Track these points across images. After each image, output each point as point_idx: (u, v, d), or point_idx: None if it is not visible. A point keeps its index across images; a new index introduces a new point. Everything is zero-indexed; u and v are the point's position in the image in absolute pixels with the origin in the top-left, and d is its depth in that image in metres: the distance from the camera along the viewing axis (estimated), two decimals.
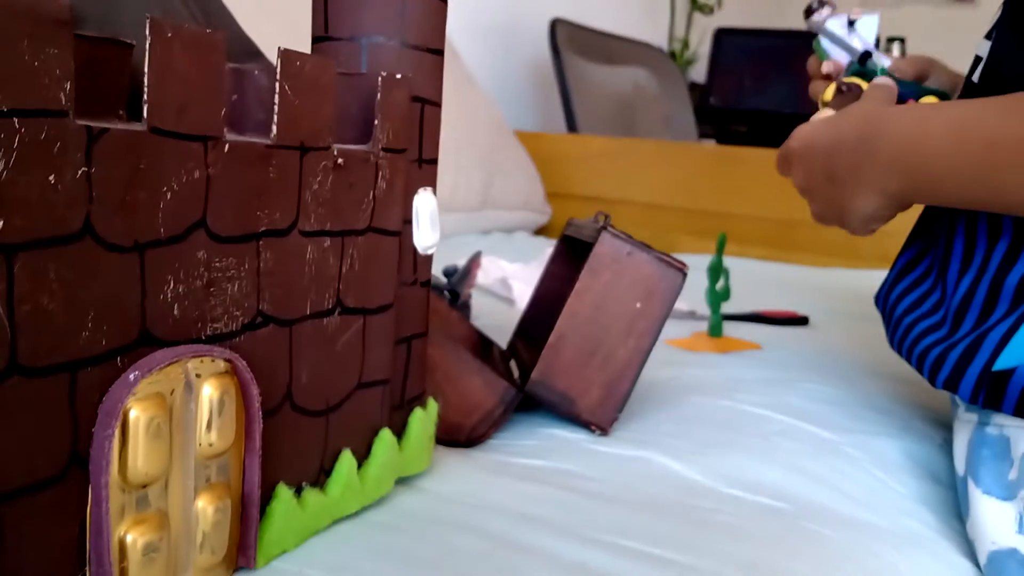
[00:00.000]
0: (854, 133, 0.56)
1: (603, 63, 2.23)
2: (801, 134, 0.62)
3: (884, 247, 1.39)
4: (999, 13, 0.54)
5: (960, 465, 0.53)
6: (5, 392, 0.24)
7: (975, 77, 0.57)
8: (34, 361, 0.25)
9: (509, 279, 0.93)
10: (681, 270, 0.52)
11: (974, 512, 0.49)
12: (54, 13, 0.25)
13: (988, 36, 0.57)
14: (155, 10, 0.50)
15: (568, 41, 2.08)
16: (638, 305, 0.51)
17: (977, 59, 0.57)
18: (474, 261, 0.75)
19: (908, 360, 0.56)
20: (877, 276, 1.24)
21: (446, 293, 0.73)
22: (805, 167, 0.61)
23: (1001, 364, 0.48)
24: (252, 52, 0.61)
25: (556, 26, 2.05)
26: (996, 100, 0.48)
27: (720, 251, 0.79)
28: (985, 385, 0.49)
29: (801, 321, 0.93)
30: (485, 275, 0.97)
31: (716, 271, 0.79)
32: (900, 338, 0.58)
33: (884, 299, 0.63)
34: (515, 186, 1.55)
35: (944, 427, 0.61)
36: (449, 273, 0.75)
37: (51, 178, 0.25)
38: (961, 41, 1.24)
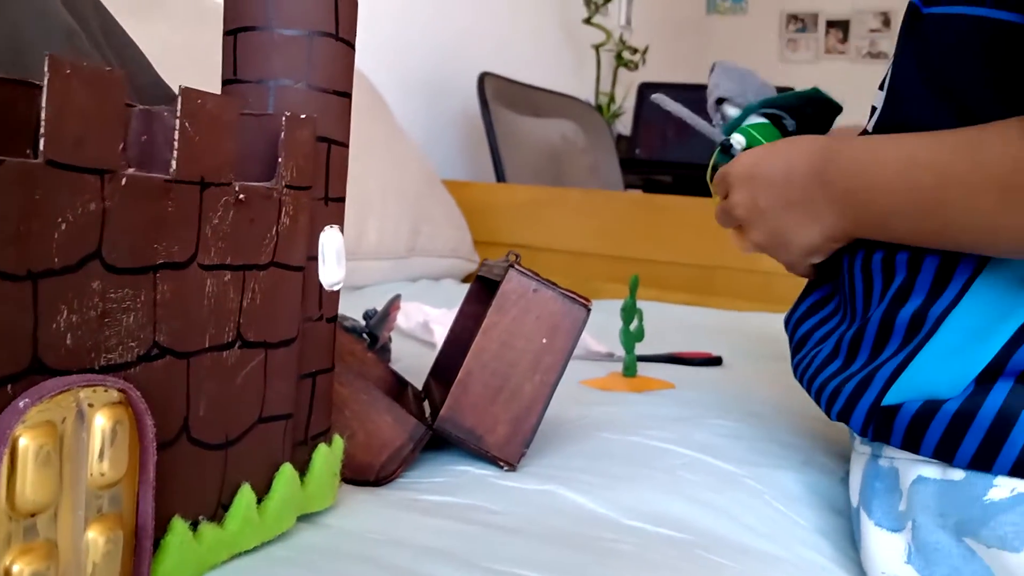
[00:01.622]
0: (806, 164, 0.57)
1: (531, 115, 2.28)
2: (746, 160, 0.62)
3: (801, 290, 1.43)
4: (890, 66, 0.57)
5: (855, 496, 0.55)
6: None
7: (870, 127, 0.59)
8: None
9: (431, 323, 0.94)
10: (585, 306, 0.54)
11: (866, 542, 0.51)
12: None
13: (881, 87, 0.59)
14: (66, 54, 0.50)
15: (496, 94, 2.12)
16: (544, 341, 0.53)
17: (873, 109, 0.60)
18: (393, 304, 0.76)
19: (807, 390, 0.58)
20: None
21: (365, 336, 0.74)
22: (750, 193, 0.61)
23: (889, 400, 0.51)
24: (170, 97, 0.62)
25: (485, 80, 2.09)
26: (948, 136, 0.49)
27: (633, 293, 0.81)
28: (875, 419, 0.51)
29: (715, 361, 0.95)
30: (407, 319, 0.97)
31: (630, 312, 0.81)
32: (803, 368, 0.60)
33: (794, 325, 0.65)
34: (443, 234, 1.56)
35: (845, 460, 0.63)
36: (369, 316, 0.76)
37: None
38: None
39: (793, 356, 0.63)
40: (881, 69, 0.63)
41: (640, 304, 0.86)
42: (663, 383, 0.80)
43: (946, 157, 0.48)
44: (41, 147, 0.30)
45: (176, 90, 0.73)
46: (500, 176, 1.99)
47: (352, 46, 0.49)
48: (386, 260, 1.40)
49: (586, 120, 2.54)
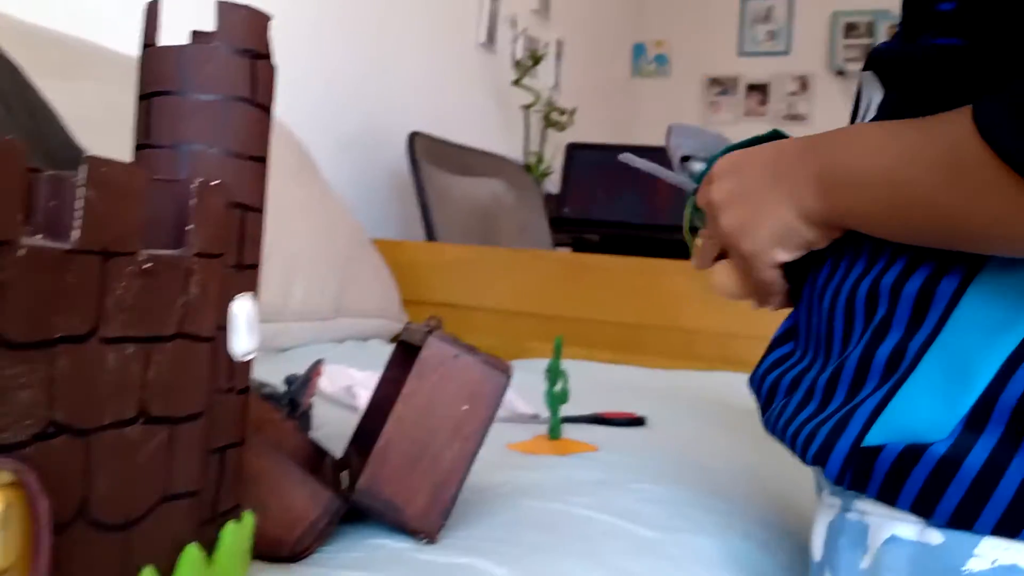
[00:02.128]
0: (796, 144, 0.57)
1: (461, 174, 2.29)
2: (733, 154, 0.62)
3: (724, 348, 1.46)
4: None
5: (817, 552, 0.53)
6: None
7: None
8: None
9: (355, 387, 0.93)
10: (505, 372, 0.53)
11: None
12: None
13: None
14: None
15: (426, 153, 2.13)
16: (464, 408, 0.52)
17: None
18: (315, 370, 0.75)
19: (781, 439, 0.56)
20: (715, 376, 1.30)
21: (285, 402, 0.72)
22: (735, 179, 0.60)
23: (871, 440, 0.48)
24: (81, 158, 0.60)
25: (415, 139, 2.10)
26: (921, 119, 0.48)
27: (557, 354, 0.81)
28: (854, 462, 0.49)
29: (638, 421, 0.96)
30: (331, 383, 0.96)
31: (554, 374, 0.81)
32: (775, 417, 0.57)
33: (760, 378, 0.62)
34: (371, 294, 1.55)
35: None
36: (290, 382, 0.75)
37: None
38: None
39: (764, 410, 0.61)
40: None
41: (567, 363, 0.86)
42: (587, 446, 0.80)
43: (910, 136, 0.49)
44: None
45: (103, 155, 0.72)
46: (430, 235, 1.99)
47: (268, 111, 0.48)
48: (312, 321, 1.38)
49: (515, 179, 2.57)
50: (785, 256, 0.58)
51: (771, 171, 0.57)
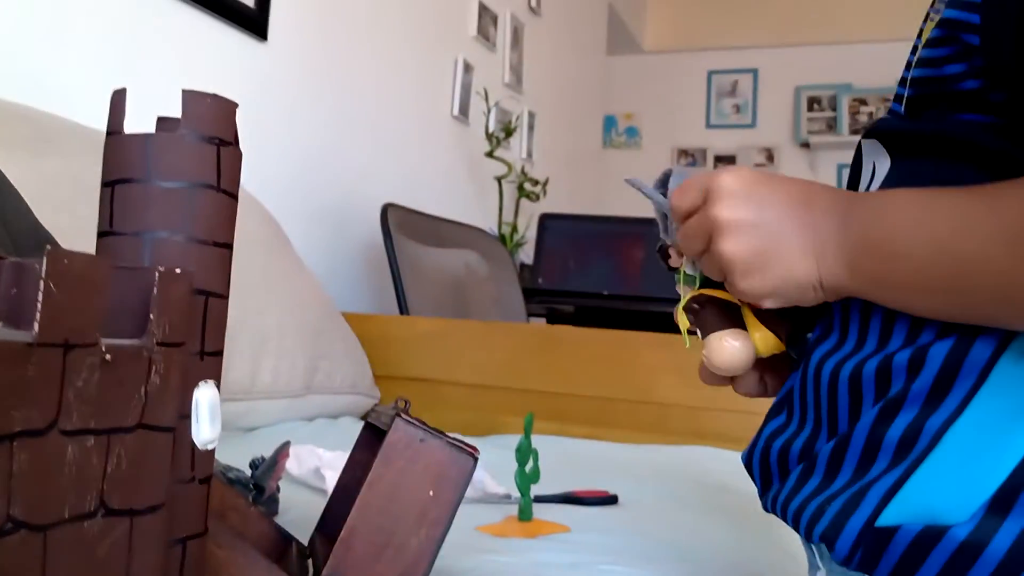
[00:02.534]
0: (831, 197, 0.53)
1: (435, 246, 2.30)
2: (750, 171, 0.56)
3: (696, 423, 1.46)
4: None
5: None
6: None
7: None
8: None
9: (323, 469, 0.92)
10: (473, 455, 0.53)
11: None
12: None
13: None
14: None
15: (400, 225, 2.15)
16: (431, 493, 0.52)
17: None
18: (281, 452, 0.74)
19: (783, 517, 0.54)
20: (686, 451, 1.30)
21: (251, 487, 0.71)
22: (754, 202, 0.55)
23: (885, 519, 0.46)
24: (45, 242, 0.60)
25: (388, 211, 2.11)
26: (968, 188, 0.47)
27: (528, 433, 0.81)
28: (865, 541, 0.47)
29: (611, 500, 0.95)
30: (299, 464, 0.95)
31: (524, 453, 0.80)
32: (774, 496, 0.56)
33: (757, 457, 0.60)
34: (342, 370, 1.54)
35: None
36: (255, 465, 0.74)
37: None
38: None
39: (763, 490, 0.58)
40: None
41: (538, 439, 0.86)
42: (558, 527, 0.79)
43: (962, 206, 0.47)
44: None
45: (69, 230, 0.72)
46: (403, 307, 1.99)
47: (234, 196, 0.49)
48: (281, 399, 1.36)
49: (489, 250, 2.58)
50: (772, 304, 0.56)
51: (798, 216, 0.53)
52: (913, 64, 0.55)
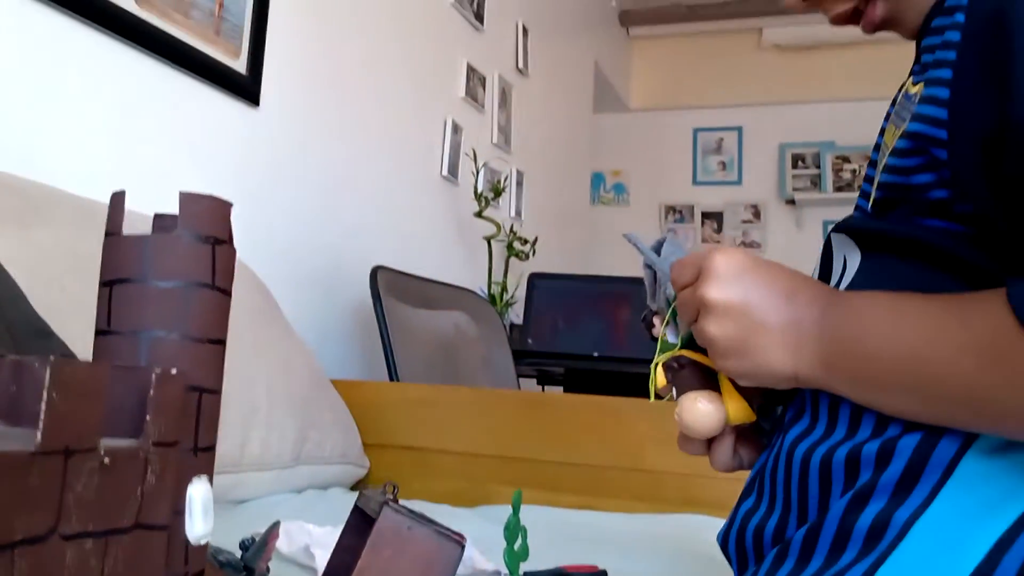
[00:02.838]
0: (811, 293, 0.56)
1: (424, 307, 2.32)
2: (741, 255, 0.59)
3: (688, 491, 1.46)
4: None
5: None
6: None
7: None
8: None
9: (312, 547, 0.92)
10: (459, 543, 0.54)
11: None
12: None
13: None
14: None
15: (389, 287, 2.16)
16: None
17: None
18: (272, 532, 0.74)
19: None
20: (679, 520, 1.31)
21: (241, 569, 0.71)
22: (741, 285, 0.57)
23: None
24: (42, 332, 0.62)
25: (377, 273, 2.13)
26: (940, 297, 0.49)
27: (515, 510, 0.81)
28: None
29: (600, 575, 0.95)
30: (289, 542, 0.95)
31: (513, 532, 0.81)
32: None
33: (736, 539, 0.62)
34: (331, 439, 1.53)
35: None
36: (245, 547, 0.74)
37: None
38: None
39: (738, 572, 0.60)
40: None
41: (530, 508, 0.86)
42: None
43: (935, 314, 0.49)
44: None
45: (63, 302, 0.73)
46: (393, 371, 1.99)
47: (228, 293, 0.50)
48: (271, 471, 1.36)
49: (478, 311, 2.60)
50: (746, 384, 0.59)
51: (780, 308, 0.56)
52: (881, 169, 0.57)
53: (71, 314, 1.08)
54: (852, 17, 0.64)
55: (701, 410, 0.63)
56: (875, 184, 0.58)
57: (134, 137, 1.67)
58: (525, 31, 3.63)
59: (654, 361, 0.67)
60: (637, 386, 1.84)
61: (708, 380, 0.64)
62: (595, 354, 2.49)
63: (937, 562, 0.47)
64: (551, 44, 4.01)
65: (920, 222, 0.54)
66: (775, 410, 0.64)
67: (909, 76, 0.59)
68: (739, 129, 5.24)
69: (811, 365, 0.55)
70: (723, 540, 0.63)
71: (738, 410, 0.63)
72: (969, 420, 0.49)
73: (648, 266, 0.71)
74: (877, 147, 0.60)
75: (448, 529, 0.54)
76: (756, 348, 0.57)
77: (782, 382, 0.57)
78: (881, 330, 0.52)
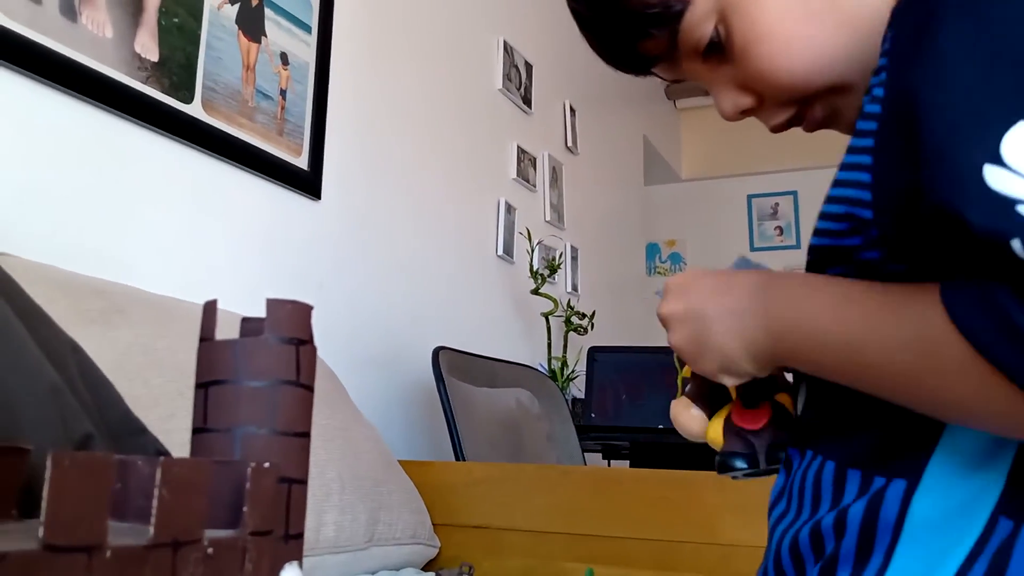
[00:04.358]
0: (748, 281, 0.61)
1: (486, 386, 2.35)
2: (688, 272, 0.66)
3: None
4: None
5: None
6: None
7: None
8: None
9: None
10: None
11: None
12: None
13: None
14: (52, 412, 0.55)
15: (451, 367, 2.20)
16: None
17: None
18: None
19: None
20: None
21: None
22: (683, 298, 0.63)
23: None
24: (138, 430, 0.66)
25: (439, 354, 2.17)
26: (881, 286, 0.52)
27: None
28: None
29: None
30: None
31: None
32: None
33: None
34: (402, 520, 1.56)
35: None
36: None
37: None
38: None
39: None
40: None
41: None
42: None
43: (875, 302, 0.52)
44: (40, 534, 0.34)
45: (143, 398, 0.78)
46: (458, 450, 2.02)
47: (311, 389, 0.54)
48: (344, 553, 1.39)
49: (539, 387, 2.62)
50: (731, 381, 0.63)
51: (719, 302, 0.61)
52: (812, 233, 0.60)
53: (152, 408, 1.13)
54: (791, 123, 0.68)
55: (683, 415, 0.71)
56: (808, 249, 0.60)
57: (206, 234, 1.75)
58: (572, 111, 3.72)
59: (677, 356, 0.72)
60: (705, 458, 1.83)
61: (718, 400, 0.70)
62: (660, 427, 2.48)
63: None
64: (599, 121, 4.09)
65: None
66: (779, 455, 0.67)
67: None
68: (794, 193, 5.24)
69: (763, 346, 0.58)
70: None
71: (715, 432, 0.69)
72: (904, 401, 0.51)
73: None
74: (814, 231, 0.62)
75: None
76: (710, 344, 0.61)
77: (748, 367, 0.61)
78: (819, 317, 0.55)
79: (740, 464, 0.67)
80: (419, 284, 2.50)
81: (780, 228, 5.26)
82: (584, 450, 2.61)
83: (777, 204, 5.28)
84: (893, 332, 0.51)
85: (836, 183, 0.57)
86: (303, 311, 0.55)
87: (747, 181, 5.35)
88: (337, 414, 1.59)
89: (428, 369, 2.16)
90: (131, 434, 0.65)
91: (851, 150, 0.56)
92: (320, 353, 1.79)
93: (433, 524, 1.67)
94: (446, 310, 2.63)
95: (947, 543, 0.50)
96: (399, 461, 1.73)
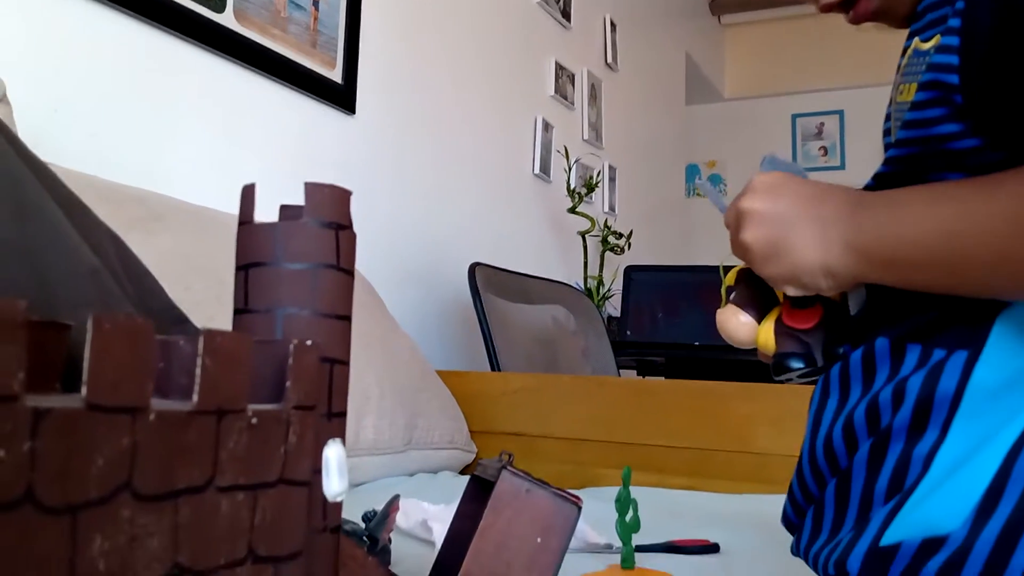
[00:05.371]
0: (843, 192, 0.60)
1: (522, 302, 2.35)
2: (779, 174, 0.64)
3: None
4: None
5: None
6: None
7: None
8: None
9: (429, 521, 0.96)
10: (576, 504, 0.57)
11: None
12: (13, 316, 0.30)
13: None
14: (92, 292, 0.55)
15: (487, 283, 2.20)
16: (538, 540, 0.55)
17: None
18: (392, 505, 0.78)
19: (806, 559, 0.59)
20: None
21: (364, 539, 0.76)
22: (772, 196, 0.62)
23: (888, 539, 0.51)
24: (179, 319, 0.67)
25: (475, 270, 2.17)
26: (971, 178, 0.52)
27: (626, 484, 0.83)
28: (869, 565, 0.51)
29: (712, 548, 0.97)
30: (406, 518, 0.99)
31: (624, 504, 0.83)
32: (804, 545, 0.60)
33: (795, 516, 0.65)
34: (439, 426, 1.59)
35: None
36: (368, 518, 0.78)
37: (1, 453, 0.29)
38: None
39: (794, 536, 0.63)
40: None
41: (637, 490, 0.88)
42: (661, 574, 0.81)
43: (965, 194, 0.52)
44: (84, 393, 0.34)
45: (184, 303, 0.79)
46: (494, 363, 2.03)
47: (351, 274, 0.54)
48: (383, 455, 1.42)
49: (576, 304, 2.62)
50: (792, 292, 0.62)
51: (810, 210, 0.60)
52: (897, 127, 0.57)
53: (195, 311, 1.15)
54: (840, 6, 0.65)
55: (731, 322, 0.69)
56: (891, 145, 0.58)
57: (240, 148, 1.75)
58: (613, 26, 3.64)
59: (721, 265, 0.72)
60: (739, 374, 1.83)
61: (765, 301, 0.68)
62: (696, 343, 2.48)
63: (958, 483, 0.49)
64: (640, 37, 4.00)
65: (941, 177, 0.55)
66: (837, 351, 0.66)
67: (912, 39, 0.59)
68: (840, 113, 5.12)
69: (842, 255, 0.57)
70: (783, 519, 0.66)
71: (766, 337, 0.67)
72: (998, 287, 0.51)
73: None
74: (888, 118, 0.60)
75: (565, 491, 0.56)
76: (787, 247, 0.60)
77: (819, 280, 0.59)
78: (914, 214, 0.54)
79: (796, 364, 0.66)
80: (454, 201, 2.49)
81: (824, 148, 5.16)
82: (619, 367, 2.62)
83: (822, 124, 5.17)
84: (987, 217, 0.50)
85: (929, 67, 0.55)
86: (342, 196, 0.54)
87: (792, 100, 5.23)
88: (375, 324, 1.61)
89: (464, 285, 2.17)
90: (173, 323, 0.65)
91: (945, 32, 0.54)
92: (356, 267, 1.80)
93: (470, 431, 1.69)
94: (482, 228, 2.62)
95: (1005, 415, 0.50)
96: (436, 371, 1.75)
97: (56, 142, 1.39)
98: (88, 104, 1.45)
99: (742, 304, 0.69)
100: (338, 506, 0.49)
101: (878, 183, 0.60)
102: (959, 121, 0.53)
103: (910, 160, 0.57)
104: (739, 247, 0.64)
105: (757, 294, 0.69)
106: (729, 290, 0.72)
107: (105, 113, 1.48)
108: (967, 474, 0.49)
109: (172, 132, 1.60)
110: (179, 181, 1.58)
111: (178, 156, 1.61)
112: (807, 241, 0.59)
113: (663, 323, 2.66)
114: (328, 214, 0.53)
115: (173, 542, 0.38)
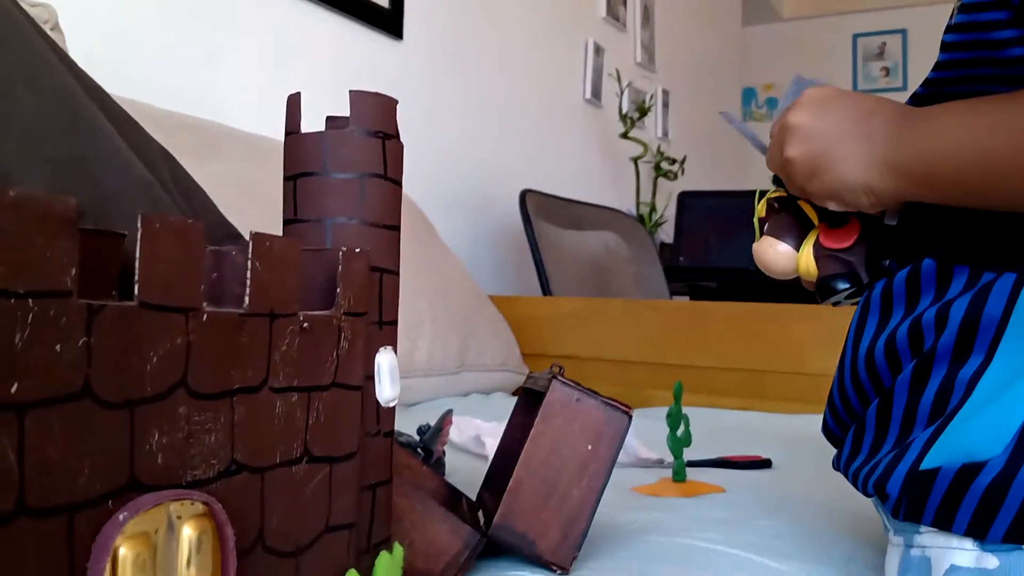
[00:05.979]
0: (893, 107, 0.58)
1: (573, 228, 2.34)
2: (829, 88, 0.62)
3: None
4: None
5: None
6: (14, 531, 0.28)
7: None
8: (39, 503, 0.29)
9: (483, 436, 0.97)
10: (626, 413, 0.57)
11: None
12: (65, 213, 0.30)
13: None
14: (145, 203, 0.56)
15: (538, 209, 2.19)
16: (589, 447, 0.56)
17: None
18: (445, 419, 0.80)
19: (846, 475, 0.58)
20: None
21: (419, 451, 0.77)
22: (819, 110, 0.60)
23: (928, 463, 0.50)
24: (232, 235, 0.67)
25: (526, 196, 2.16)
26: (1011, 94, 0.51)
27: (677, 399, 0.84)
28: (909, 488, 0.50)
29: (764, 464, 0.97)
30: (460, 433, 1.01)
31: (675, 419, 0.83)
32: (845, 461, 0.60)
33: (835, 427, 0.65)
34: (491, 349, 1.61)
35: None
36: (422, 431, 0.79)
37: (57, 347, 0.30)
38: None
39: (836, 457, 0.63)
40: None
41: (689, 410, 0.88)
42: (713, 487, 0.82)
43: (1003, 107, 0.50)
44: (136, 292, 0.35)
45: (238, 228, 0.80)
46: (545, 289, 2.04)
47: (399, 183, 0.54)
48: (437, 376, 1.44)
49: (628, 230, 2.60)
50: (834, 207, 0.60)
51: (857, 126, 0.58)
52: (950, 28, 0.55)
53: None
54: None
55: (770, 252, 0.67)
56: (943, 46, 0.55)
57: (287, 75, 1.75)
58: None
59: (757, 191, 0.69)
60: (794, 296, 1.81)
61: (801, 228, 0.66)
62: (751, 268, 2.45)
63: (1000, 409, 0.47)
64: None
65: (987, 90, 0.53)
66: (881, 264, 0.64)
67: None
68: (903, 32, 4.94)
69: (883, 174, 0.56)
70: (824, 430, 0.65)
71: (807, 263, 0.65)
72: None
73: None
74: (948, 28, 0.57)
75: (615, 400, 0.57)
76: (831, 163, 0.58)
77: (861, 197, 0.58)
78: (952, 129, 0.52)
79: (842, 285, 0.64)
80: (504, 127, 2.47)
81: (886, 69, 4.99)
82: (672, 292, 2.61)
83: (884, 44, 4.99)
84: (1021, 131, 0.48)
85: None
86: (388, 104, 0.54)
87: (853, 19, 5.05)
88: (426, 248, 1.61)
89: (515, 212, 2.16)
90: (226, 238, 0.66)
91: None
92: (411, 195, 1.80)
93: (522, 354, 1.71)
94: (532, 154, 2.60)
95: None
96: (488, 296, 1.76)
97: (108, 70, 1.40)
98: (139, 34, 1.46)
99: (777, 234, 0.67)
100: (391, 411, 0.50)
101: (927, 89, 0.58)
102: (1019, 26, 0.50)
103: (958, 65, 0.55)
104: (781, 163, 0.63)
105: (791, 221, 0.67)
106: (761, 222, 0.70)
107: (155, 42, 1.48)
108: (1009, 399, 0.48)
109: (220, 60, 1.60)
110: (229, 109, 1.59)
111: (227, 84, 1.62)
112: (852, 158, 0.58)
113: (716, 248, 2.64)
114: (374, 123, 0.53)
115: (230, 439, 0.39)
